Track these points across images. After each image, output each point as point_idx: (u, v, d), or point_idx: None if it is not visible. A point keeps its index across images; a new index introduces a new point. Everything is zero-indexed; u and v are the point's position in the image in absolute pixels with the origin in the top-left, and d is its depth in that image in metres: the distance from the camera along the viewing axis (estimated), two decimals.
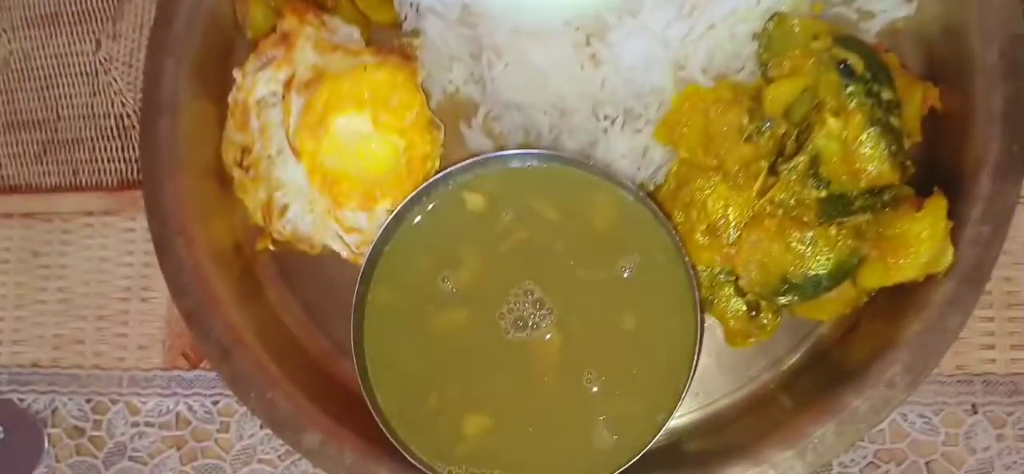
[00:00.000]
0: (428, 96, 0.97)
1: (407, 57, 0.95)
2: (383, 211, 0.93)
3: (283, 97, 0.96)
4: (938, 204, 0.78)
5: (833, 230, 0.78)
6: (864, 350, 0.86)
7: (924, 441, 0.88)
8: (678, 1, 0.77)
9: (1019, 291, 0.88)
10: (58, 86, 1.09)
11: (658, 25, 0.78)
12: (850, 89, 0.78)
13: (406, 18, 0.98)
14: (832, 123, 0.77)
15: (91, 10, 1.10)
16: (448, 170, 0.85)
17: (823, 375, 0.88)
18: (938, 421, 0.88)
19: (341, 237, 0.95)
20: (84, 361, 1.01)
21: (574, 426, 0.81)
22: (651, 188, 0.90)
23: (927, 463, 0.88)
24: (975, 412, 0.88)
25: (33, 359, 1.02)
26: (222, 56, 1.03)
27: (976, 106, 0.84)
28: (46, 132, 1.08)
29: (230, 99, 0.99)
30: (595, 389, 0.81)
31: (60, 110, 1.09)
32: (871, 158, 0.77)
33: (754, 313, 0.86)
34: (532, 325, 0.82)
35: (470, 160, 0.85)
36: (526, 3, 0.82)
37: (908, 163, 0.82)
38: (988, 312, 0.88)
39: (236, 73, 0.99)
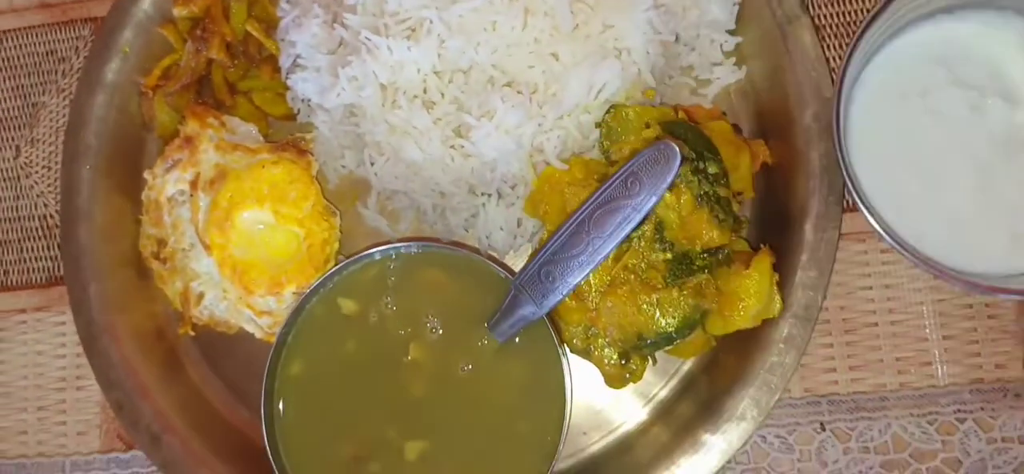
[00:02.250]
0: (324, 184, 1.06)
1: (301, 152, 1.04)
2: (289, 295, 1.02)
3: (191, 195, 1.05)
4: (764, 261, 0.88)
5: (676, 292, 0.88)
6: (722, 382, 0.97)
7: (782, 459, 0.99)
8: (526, 104, 0.87)
9: (854, 318, 0.99)
10: None
11: (511, 125, 0.88)
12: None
13: (299, 112, 1.07)
14: (668, 197, 0.87)
15: (9, 118, 1.17)
16: (334, 269, 0.94)
17: (691, 407, 0.99)
18: (793, 440, 0.99)
19: (254, 320, 1.04)
20: (29, 451, 1.10)
21: None
22: (529, 252, 1.00)
23: None
24: (823, 429, 0.99)
25: None
26: (134, 154, 1.11)
27: (798, 163, 0.95)
28: None
29: (143, 197, 1.07)
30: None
31: None
32: (702, 225, 0.87)
33: (624, 360, 0.97)
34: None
35: (352, 257, 0.94)
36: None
37: (741, 220, 0.93)
38: (828, 339, 0.99)
39: (147, 174, 1.07)
